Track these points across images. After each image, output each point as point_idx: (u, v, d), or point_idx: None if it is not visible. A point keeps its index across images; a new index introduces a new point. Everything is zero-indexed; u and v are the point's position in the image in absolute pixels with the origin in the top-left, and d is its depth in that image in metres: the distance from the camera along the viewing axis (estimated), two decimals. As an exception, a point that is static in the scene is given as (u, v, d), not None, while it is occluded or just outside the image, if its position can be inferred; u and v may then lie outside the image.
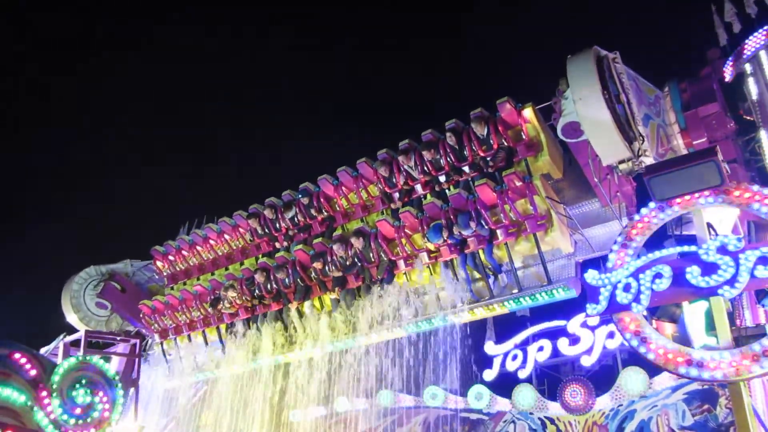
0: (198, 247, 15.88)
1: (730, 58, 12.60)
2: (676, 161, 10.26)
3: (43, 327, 18.90)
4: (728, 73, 12.64)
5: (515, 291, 11.96)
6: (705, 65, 12.69)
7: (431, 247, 12.14)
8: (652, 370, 15.15)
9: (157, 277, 17.25)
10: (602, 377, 17.10)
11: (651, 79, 11.82)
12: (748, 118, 12.29)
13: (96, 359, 14.51)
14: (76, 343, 16.37)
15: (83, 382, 13.50)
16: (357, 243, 12.74)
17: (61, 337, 16.84)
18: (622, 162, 10.61)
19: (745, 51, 12.32)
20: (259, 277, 14.05)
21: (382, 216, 12.80)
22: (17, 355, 12.56)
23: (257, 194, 14.72)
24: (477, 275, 12.32)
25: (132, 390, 16.31)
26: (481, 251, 11.97)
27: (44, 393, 12.70)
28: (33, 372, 12.76)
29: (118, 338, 17.27)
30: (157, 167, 33.57)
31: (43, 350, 16.26)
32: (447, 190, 12.38)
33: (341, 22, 36.14)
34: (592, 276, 9.76)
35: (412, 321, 12.83)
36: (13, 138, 33.25)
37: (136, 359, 16.94)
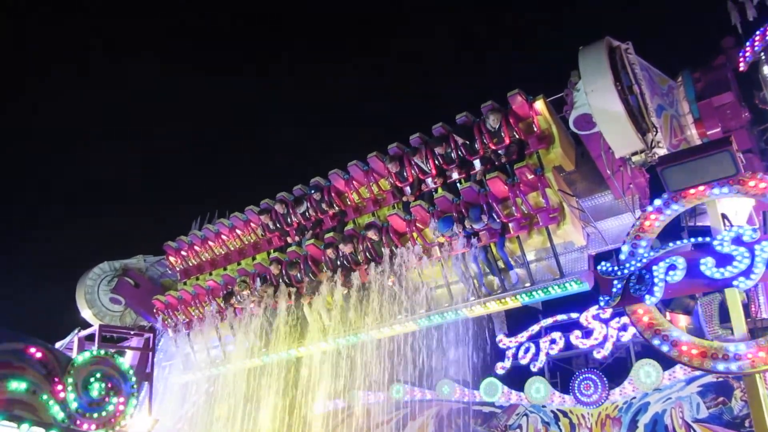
0: (210, 243, 15.96)
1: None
2: (690, 151, 10.15)
3: (57, 322, 19.09)
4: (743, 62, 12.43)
5: (528, 284, 11.89)
6: (719, 54, 12.51)
7: (443, 240, 12.11)
8: (666, 362, 15.06)
9: (170, 272, 17.34)
10: (615, 369, 17.07)
11: (664, 68, 11.68)
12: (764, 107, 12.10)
13: (111, 353, 14.62)
14: (90, 338, 16.55)
15: (98, 376, 13.56)
16: (371, 235, 12.71)
17: (76, 331, 17.03)
18: (635, 154, 10.47)
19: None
20: (274, 269, 14.10)
21: (394, 210, 12.78)
22: (32, 350, 12.63)
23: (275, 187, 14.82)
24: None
25: (146, 384, 16.47)
26: (492, 245, 11.93)
27: (59, 387, 12.77)
28: (48, 366, 12.85)
29: (132, 332, 17.42)
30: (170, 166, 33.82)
31: (57, 344, 16.44)
32: (458, 183, 12.33)
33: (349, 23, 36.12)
34: (605, 268, 9.69)
35: (424, 315, 12.81)
36: (29, 138, 33.56)
37: (150, 353, 17.09)
